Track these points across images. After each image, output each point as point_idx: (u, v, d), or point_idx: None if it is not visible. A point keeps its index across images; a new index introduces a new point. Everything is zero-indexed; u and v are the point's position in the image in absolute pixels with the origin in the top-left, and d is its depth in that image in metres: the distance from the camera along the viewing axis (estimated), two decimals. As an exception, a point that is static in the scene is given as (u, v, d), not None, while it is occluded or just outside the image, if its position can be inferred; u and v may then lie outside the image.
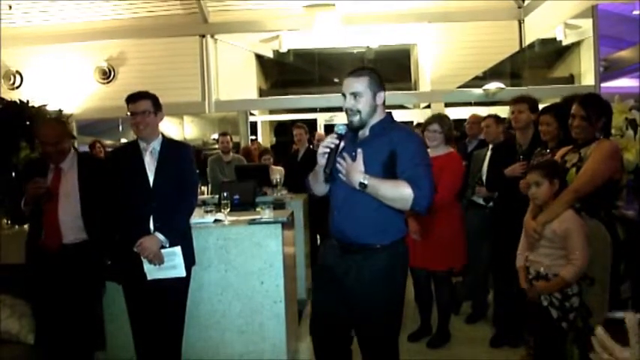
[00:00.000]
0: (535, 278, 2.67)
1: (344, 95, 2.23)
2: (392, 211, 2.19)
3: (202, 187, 5.34)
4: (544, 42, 8.76)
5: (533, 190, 2.68)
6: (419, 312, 3.87)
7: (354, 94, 2.20)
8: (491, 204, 3.91)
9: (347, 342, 2.38)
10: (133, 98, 2.82)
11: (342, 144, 2.20)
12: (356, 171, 2.11)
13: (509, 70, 8.93)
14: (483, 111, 5.79)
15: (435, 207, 3.46)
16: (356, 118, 2.21)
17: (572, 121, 2.76)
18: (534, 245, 2.69)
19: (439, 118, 3.70)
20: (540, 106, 3.47)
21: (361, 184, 2.09)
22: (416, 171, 2.12)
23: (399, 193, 2.10)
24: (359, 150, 2.14)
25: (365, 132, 2.26)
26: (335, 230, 2.32)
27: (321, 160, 2.20)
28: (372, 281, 2.21)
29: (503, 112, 4.44)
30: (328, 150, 2.15)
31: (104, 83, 8.70)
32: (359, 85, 2.20)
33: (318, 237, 5.58)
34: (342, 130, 2.19)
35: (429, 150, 3.62)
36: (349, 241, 2.25)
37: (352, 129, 2.25)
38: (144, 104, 2.81)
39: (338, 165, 2.14)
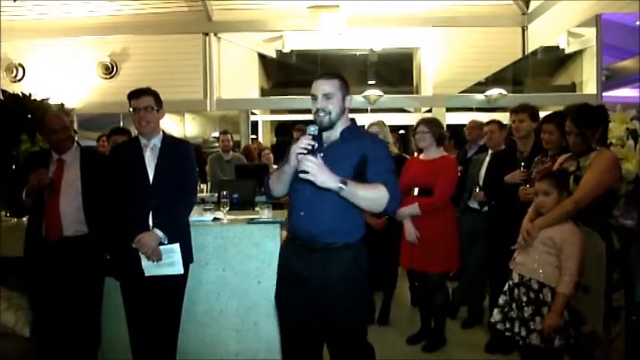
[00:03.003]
0: (516, 285, 2.68)
1: (314, 97, 2.30)
2: (356, 210, 2.25)
3: (202, 185, 5.34)
4: (547, 49, 8.77)
5: (541, 198, 2.67)
6: (420, 315, 3.87)
7: (326, 95, 2.27)
8: (485, 208, 3.92)
9: (317, 345, 2.41)
10: (135, 94, 2.83)
11: (316, 145, 2.22)
12: (329, 173, 2.10)
13: (511, 76, 8.94)
14: (484, 117, 5.79)
15: (432, 209, 3.50)
16: (326, 119, 2.27)
17: (567, 137, 2.78)
18: (524, 247, 2.70)
19: (426, 120, 3.76)
20: (542, 114, 3.48)
21: (343, 181, 2.09)
22: (386, 177, 2.21)
23: (377, 194, 2.16)
24: (319, 155, 2.17)
25: (335, 135, 2.33)
26: (300, 230, 2.34)
27: (294, 161, 2.21)
28: (339, 279, 2.25)
29: (504, 118, 4.43)
30: (305, 152, 2.15)
31: (106, 78, 8.72)
32: (330, 86, 2.28)
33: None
34: (313, 131, 2.21)
35: (422, 154, 3.70)
36: (315, 240, 2.28)
37: (322, 129, 2.29)
38: (146, 100, 2.82)
39: (305, 167, 2.11)
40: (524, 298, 2.63)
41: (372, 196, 2.16)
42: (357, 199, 2.15)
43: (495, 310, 2.78)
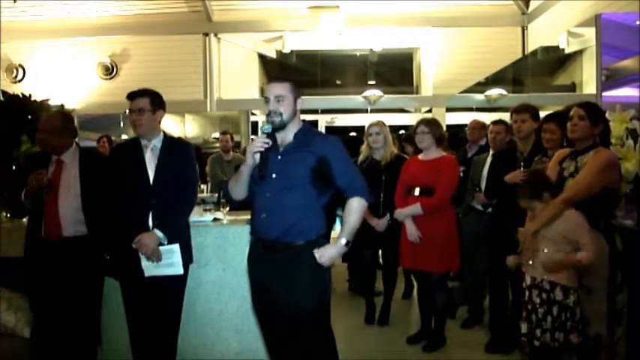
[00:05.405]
0: (529, 287, 2.68)
1: (267, 99, 2.38)
2: (317, 209, 2.37)
3: (202, 186, 5.34)
4: (547, 49, 8.75)
5: (529, 215, 2.73)
6: (420, 315, 3.87)
7: (278, 97, 2.36)
8: (489, 210, 3.91)
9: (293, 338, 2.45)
10: (131, 96, 2.85)
11: (270, 142, 2.30)
12: (332, 249, 2.32)
13: (511, 76, 8.92)
14: (484, 117, 5.79)
15: (434, 209, 3.50)
16: (278, 120, 2.35)
17: (570, 121, 2.76)
18: (531, 252, 2.69)
19: (426, 121, 3.78)
20: (542, 114, 3.48)
21: (343, 241, 2.34)
22: (349, 174, 2.40)
23: (359, 213, 2.39)
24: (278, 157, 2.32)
25: (288, 138, 2.40)
26: (262, 233, 2.39)
27: (250, 160, 2.31)
28: (302, 277, 2.31)
29: (504, 118, 4.43)
30: (262, 149, 2.23)
31: (106, 79, 8.71)
32: (282, 89, 2.37)
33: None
34: (267, 129, 2.31)
35: (421, 155, 3.71)
36: (278, 241, 2.34)
37: (275, 130, 2.37)
38: (140, 102, 2.82)
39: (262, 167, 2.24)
40: (538, 300, 2.63)
41: (358, 215, 2.38)
42: (356, 228, 2.37)
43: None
